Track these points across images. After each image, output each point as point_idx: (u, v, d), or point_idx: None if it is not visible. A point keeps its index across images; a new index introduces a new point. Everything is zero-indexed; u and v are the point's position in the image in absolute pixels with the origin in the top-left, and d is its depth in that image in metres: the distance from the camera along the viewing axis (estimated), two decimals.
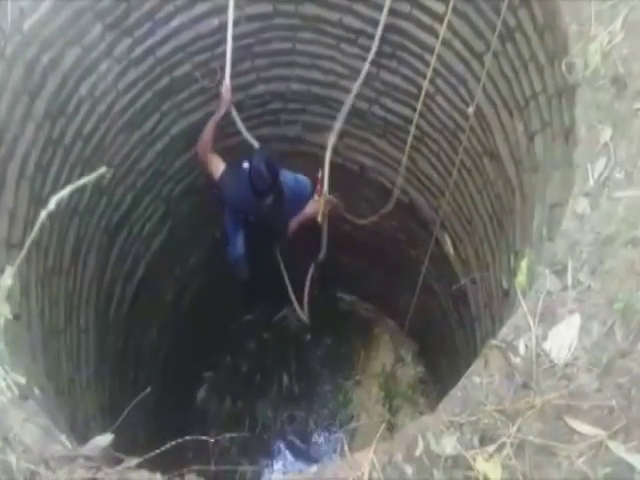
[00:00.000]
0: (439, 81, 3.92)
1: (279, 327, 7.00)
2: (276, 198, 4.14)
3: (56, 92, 3.26)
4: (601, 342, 1.77)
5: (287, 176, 4.35)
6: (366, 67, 4.11)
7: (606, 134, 2.23)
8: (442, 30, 3.56)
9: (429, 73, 3.81)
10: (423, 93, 3.94)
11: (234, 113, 4.26)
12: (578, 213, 2.11)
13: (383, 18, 3.80)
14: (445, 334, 5.04)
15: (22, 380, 1.86)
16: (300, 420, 6.56)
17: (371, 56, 4.03)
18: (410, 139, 4.25)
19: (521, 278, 2.14)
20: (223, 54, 4.01)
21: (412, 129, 4.21)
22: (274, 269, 5.76)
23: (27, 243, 1.28)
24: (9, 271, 1.29)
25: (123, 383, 4.27)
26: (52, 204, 0.99)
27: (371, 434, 2.06)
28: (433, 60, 3.73)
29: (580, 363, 1.74)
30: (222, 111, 4.16)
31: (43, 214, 1.04)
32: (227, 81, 4.05)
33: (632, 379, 1.69)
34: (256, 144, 4.42)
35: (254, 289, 6.20)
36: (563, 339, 1.79)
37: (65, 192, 1.02)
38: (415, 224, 5.00)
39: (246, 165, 4.06)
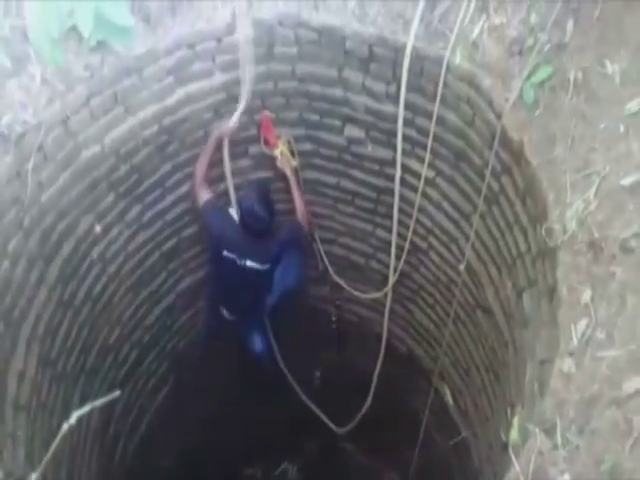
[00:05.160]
0: (431, 238, 4.12)
1: None
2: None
3: (69, 257, 3.40)
4: None
5: None
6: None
7: (586, 295, 2.34)
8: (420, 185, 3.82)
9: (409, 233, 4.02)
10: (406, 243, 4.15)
11: (225, 150, 3.97)
12: (564, 372, 2.21)
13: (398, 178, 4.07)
14: None
15: None
16: None
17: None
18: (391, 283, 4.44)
19: (514, 435, 2.22)
20: None
21: (390, 279, 4.38)
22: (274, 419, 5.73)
23: (44, 460, 1.36)
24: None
25: None
26: (73, 419, 1.10)
27: None
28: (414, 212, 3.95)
29: None
30: (212, 140, 3.85)
31: (65, 427, 1.13)
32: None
33: None
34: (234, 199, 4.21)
35: (253, 441, 6.12)
36: None
37: (85, 409, 1.14)
38: (414, 374, 5.04)
39: (233, 212, 4.07)
